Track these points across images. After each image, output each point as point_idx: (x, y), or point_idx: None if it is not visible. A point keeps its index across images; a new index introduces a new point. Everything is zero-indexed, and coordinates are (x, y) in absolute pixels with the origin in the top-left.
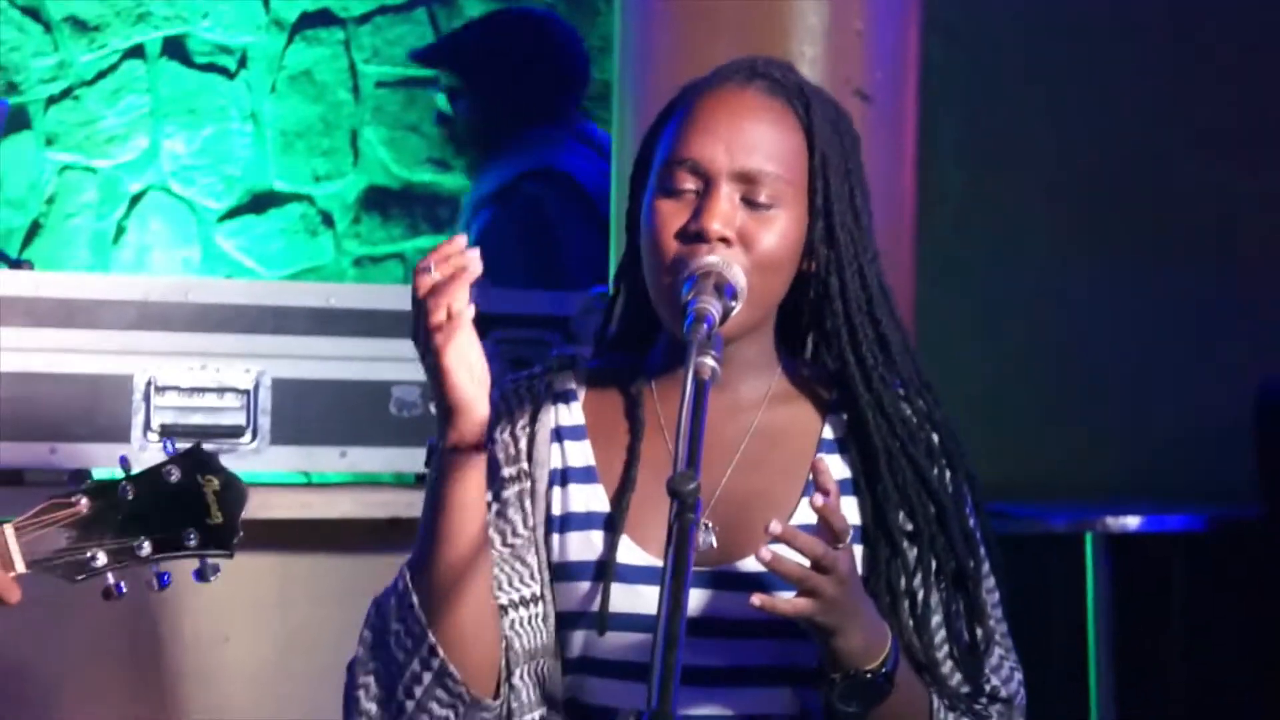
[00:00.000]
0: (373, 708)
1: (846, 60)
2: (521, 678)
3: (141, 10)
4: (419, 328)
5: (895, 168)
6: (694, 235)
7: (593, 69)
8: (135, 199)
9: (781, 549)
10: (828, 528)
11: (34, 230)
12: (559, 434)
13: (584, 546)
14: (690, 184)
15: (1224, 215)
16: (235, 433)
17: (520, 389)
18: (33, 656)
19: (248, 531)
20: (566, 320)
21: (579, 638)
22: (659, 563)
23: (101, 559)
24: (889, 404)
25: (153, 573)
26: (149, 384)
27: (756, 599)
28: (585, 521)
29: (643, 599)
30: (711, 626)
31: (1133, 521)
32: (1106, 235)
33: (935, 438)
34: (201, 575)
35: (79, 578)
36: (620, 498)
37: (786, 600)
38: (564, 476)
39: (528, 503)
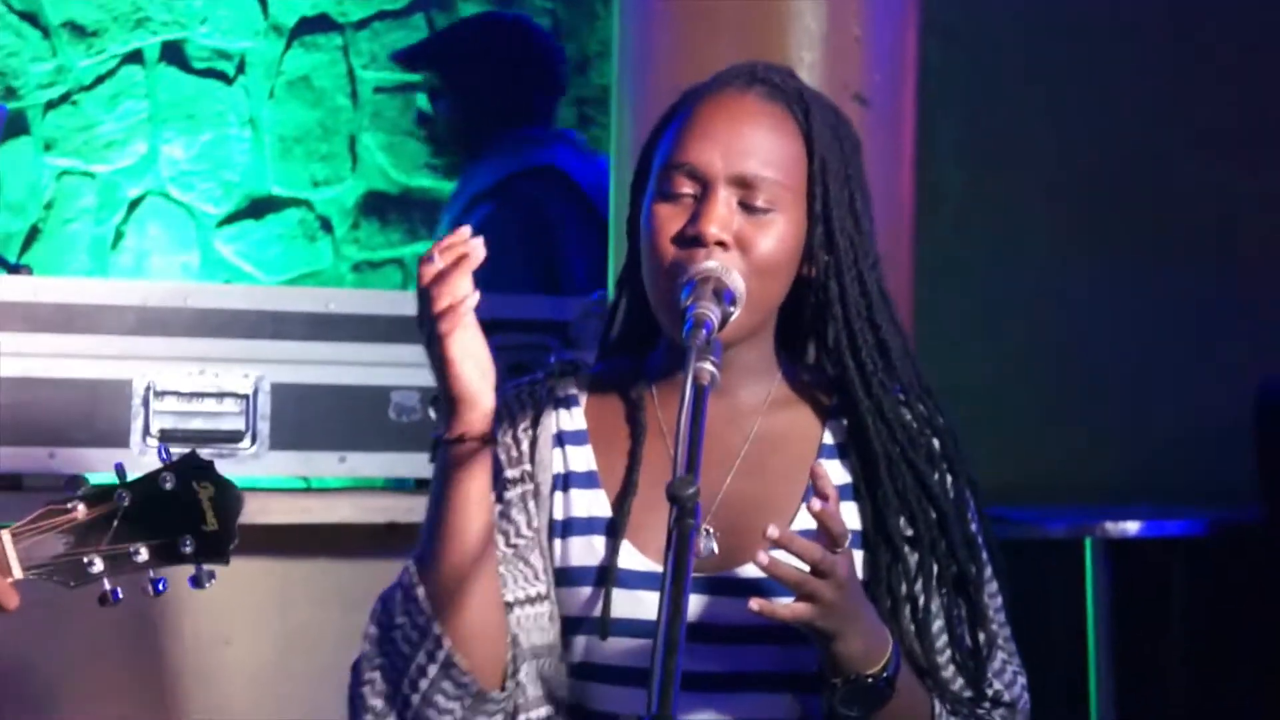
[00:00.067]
0: (379, 703)
1: (845, 65)
2: (527, 674)
3: (140, 15)
4: (424, 317)
5: (894, 170)
6: (691, 239)
7: (591, 73)
8: (134, 204)
9: (780, 554)
10: (826, 532)
11: (33, 235)
12: (561, 439)
13: (586, 552)
14: (688, 188)
15: (1224, 215)
16: (234, 438)
17: (522, 394)
18: (33, 657)
19: (247, 536)
20: (566, 325)
21: (581, 643)
22: (660, 568)
23: (98, 565)
24: (889, 409)
25: (149, 579)
26: (148, 389)
27: (755, 604)
28: (587, 526)
29: (644, 604)
30: (712, 632)
31: (1132, 526)
32: (1106, 235)
33: (936, 443)
34: (197, 582)
35: (75, 584)
36: (621, 503)
37: (785, 605)
38: (566, 481)
39: (531, 504)
